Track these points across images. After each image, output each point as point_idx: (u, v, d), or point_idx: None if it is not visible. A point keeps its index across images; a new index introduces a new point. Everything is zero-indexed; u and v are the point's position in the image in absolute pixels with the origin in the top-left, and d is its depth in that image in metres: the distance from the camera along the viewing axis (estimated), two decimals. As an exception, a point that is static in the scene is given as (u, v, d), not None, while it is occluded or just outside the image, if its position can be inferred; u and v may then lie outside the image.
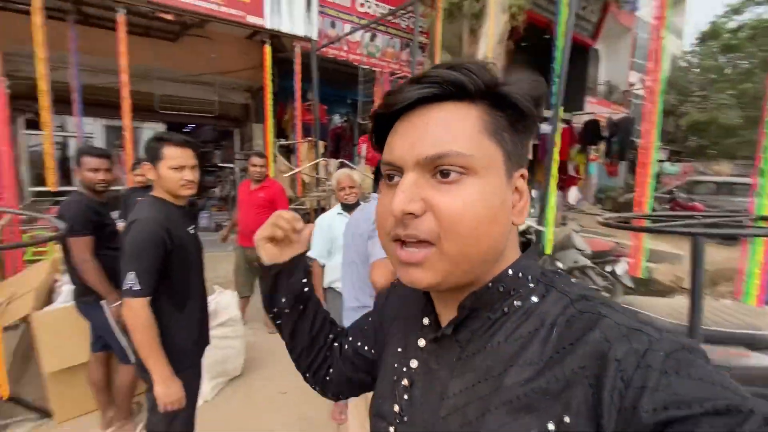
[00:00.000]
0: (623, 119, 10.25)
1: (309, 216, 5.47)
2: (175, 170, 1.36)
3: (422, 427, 0.43)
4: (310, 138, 4.97)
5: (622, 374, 0.31)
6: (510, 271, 0.41)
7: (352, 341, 0.62)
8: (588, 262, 2.32)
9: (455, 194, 0.37)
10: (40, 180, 5.47)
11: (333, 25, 5.10)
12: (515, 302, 0.40)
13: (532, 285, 0.41)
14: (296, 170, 4.44)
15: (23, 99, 4.88)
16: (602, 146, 10.64)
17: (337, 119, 8.12)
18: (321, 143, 5.00)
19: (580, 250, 2.43)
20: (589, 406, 0.32)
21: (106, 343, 2.08)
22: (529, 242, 0.56)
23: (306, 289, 0.61)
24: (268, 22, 4.11)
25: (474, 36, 5.13)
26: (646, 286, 3.61)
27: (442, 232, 0.37)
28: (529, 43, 7.63)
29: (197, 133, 9.87)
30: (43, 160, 3.40)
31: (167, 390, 1.29)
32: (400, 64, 5.80)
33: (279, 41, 5.26)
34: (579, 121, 10.82)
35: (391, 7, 5.22)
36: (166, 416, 1.36)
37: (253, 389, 2.60)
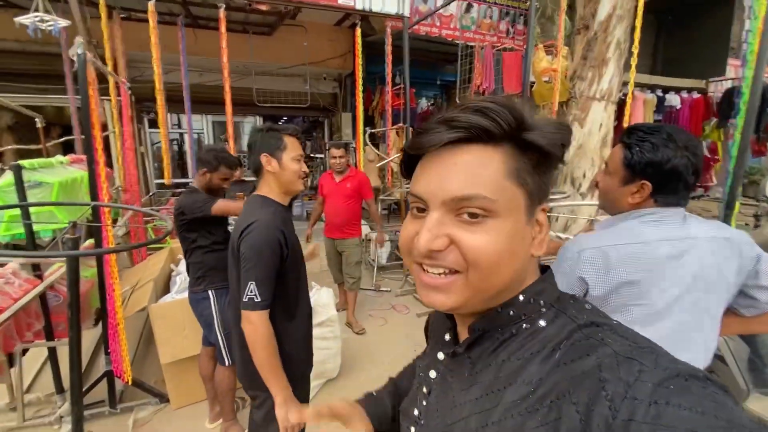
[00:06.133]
0: (783, 83, 8.06)
1: (399, 206, 5.26)
2: (297, 161, 1.30)
3: (434, 431, 0.48)
4: (399, 125, 4.70)
5: (610, 404, 0.31)
6: (521, 297, 0.43)
7: None
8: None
9: (479, 234, 0.40)
10: (161, 174, 6.15)
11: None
12: (524, 325, 0.43)
13: (543, 309, 0.43)
14: (387, 160, 4.21)
15: (146, 101, 5.44)
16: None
17: (424, 103, 7.74)
18: (411, 130, 4.70)
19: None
20: None
21: (215, 339, 2.08)
22: (547, 267, 0.37)
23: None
24: (359, 2, 3.88)
25: (593, -8, 4.28)
26: None
27: (468, 265, 0.40)
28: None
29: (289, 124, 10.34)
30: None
31: (289, 413, 1.16)
32: (499, 36, 5.17)
33: (367, 24, 5.04)
34: (719, 89, 8.80)
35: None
36: None
37: (349, 394, 2.45)
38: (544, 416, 0.35)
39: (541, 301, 0.43)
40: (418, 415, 0.52)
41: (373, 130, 4.93)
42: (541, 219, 0.43)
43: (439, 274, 0.41)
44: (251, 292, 1.14)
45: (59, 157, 2.47)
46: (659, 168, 0.87)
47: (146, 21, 3.21)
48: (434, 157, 0.42)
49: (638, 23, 2.80)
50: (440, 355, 0.51)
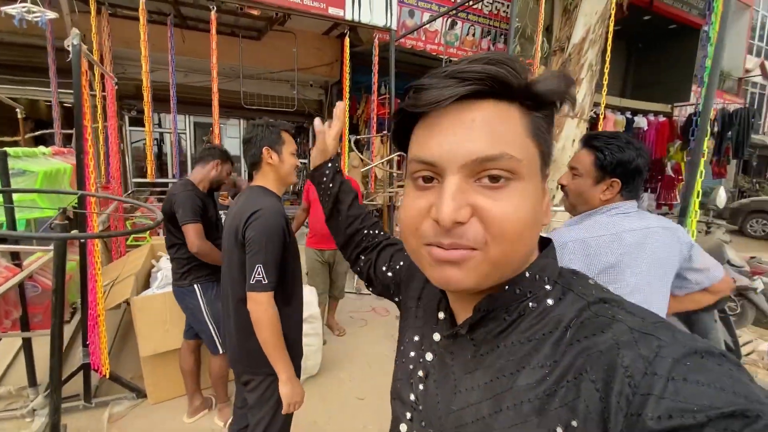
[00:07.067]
0: (740, 111, 8.71)
1: (380, 213, 5.36)
2: (293, 155, 1.42)
3: (436, 417, 0.44)
4: (384, 132, 4.84)
5: (630, 380, 0.30)
6: (527, 274, 0.40)
7: (379, 260, 0.69)
8: (750, 283, 1.82)
9: (504, 200, 0.35)
10: (140, 172, 6.03)
11: (411, 14, 4.90)
12: (530, 304, 0.40)
13: (548, 287, 0.40)
14: (371, 165, 4.32)
15: (129, 98, 5.38)
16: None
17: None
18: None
19: (735, 267, 1.92)
20: (597, 411, 0.32)
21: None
22: (548, 240, 0.45)
23: (331, 184, 0.77)
24: (348, 13, 4.01)
25: (567, 16, 4.59)
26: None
27: (490, 237, 0.36)
28: (623, 25, 6.72)
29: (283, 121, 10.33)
30: (143, 154, 3.65)
31: (293, 390, 1.24)
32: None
33: (354, 34, 5.19)
34: (682, 114, 9.41)
35: (474, -8, 4.87)
36: (267, 415, 1.33)
37: (329, 391, 2.50)
38: (562, 397, 0.34)
39: (546, 278, 0.40)
40: (414, 400, 0.48)
41: (358, 137, 5.04)
42: (544, 185, 0.40)
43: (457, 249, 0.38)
44: (259, 274, 1.20)
45: (42, 148, 2.45)
46: (627, 167, 1.02)
47: (132, 18, 3.24)
48: (440, 117, 0.37)
49: (609, 44, 3.04)
50: (436, 336, 0.48)
